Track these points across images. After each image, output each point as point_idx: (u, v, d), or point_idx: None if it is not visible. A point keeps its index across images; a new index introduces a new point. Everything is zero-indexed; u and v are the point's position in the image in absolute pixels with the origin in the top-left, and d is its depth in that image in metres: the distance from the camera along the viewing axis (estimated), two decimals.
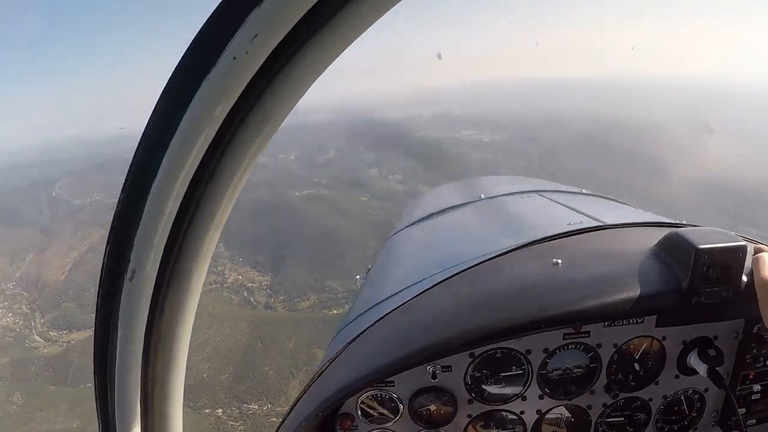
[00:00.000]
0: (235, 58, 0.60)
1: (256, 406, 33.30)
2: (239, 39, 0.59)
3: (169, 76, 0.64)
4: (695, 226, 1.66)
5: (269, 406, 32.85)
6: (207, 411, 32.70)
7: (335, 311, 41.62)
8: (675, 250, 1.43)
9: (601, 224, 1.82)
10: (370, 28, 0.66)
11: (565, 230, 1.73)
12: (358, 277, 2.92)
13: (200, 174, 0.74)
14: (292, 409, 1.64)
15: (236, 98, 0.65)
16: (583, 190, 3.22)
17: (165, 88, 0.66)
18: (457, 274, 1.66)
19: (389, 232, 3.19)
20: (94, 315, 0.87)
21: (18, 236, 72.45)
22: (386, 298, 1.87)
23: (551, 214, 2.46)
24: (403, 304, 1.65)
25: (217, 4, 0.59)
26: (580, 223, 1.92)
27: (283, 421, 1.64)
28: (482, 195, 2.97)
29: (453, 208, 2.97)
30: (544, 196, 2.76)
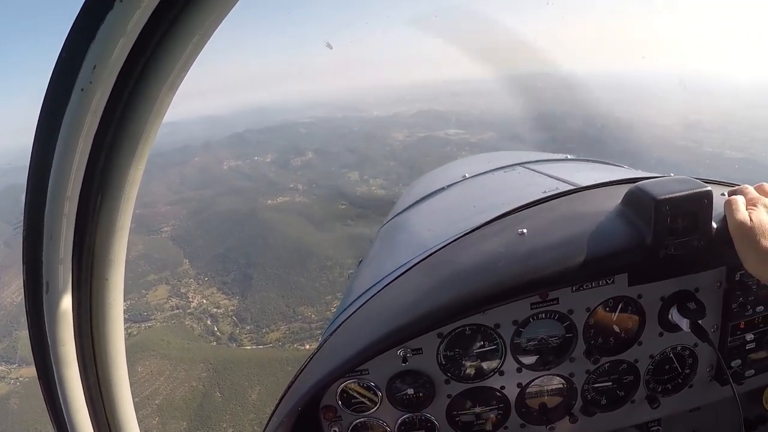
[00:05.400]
0: (83, 90, 0.71)
1: None
2: (83, 72, 0.70)
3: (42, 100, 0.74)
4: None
5: None
6: None
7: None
8: (637, 205, 1.38)
9: (573, 188, 1.76)
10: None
11: (536, 199, 1.70)
12: (350, 272, 2.73)
13: (87, 187, 0.81)
14: (276, 407, 1.65)
15: (96, 124, 0.75)
16: (568, 156, 3.09)
17: (39, 114, 0.75)
18: (426, 258, 1.67)
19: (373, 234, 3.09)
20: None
21: None
22: (366, 290, 1.86)
23: (529, 185, 2.35)
24: (376, 294, 1.67)
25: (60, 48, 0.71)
26: (555, 189, 1.82)
27: (268, 422, 1.66)
28: (466, 174, 2.88)
29: (437, 192, 2.86)
30: (526, 167, 2.68)
